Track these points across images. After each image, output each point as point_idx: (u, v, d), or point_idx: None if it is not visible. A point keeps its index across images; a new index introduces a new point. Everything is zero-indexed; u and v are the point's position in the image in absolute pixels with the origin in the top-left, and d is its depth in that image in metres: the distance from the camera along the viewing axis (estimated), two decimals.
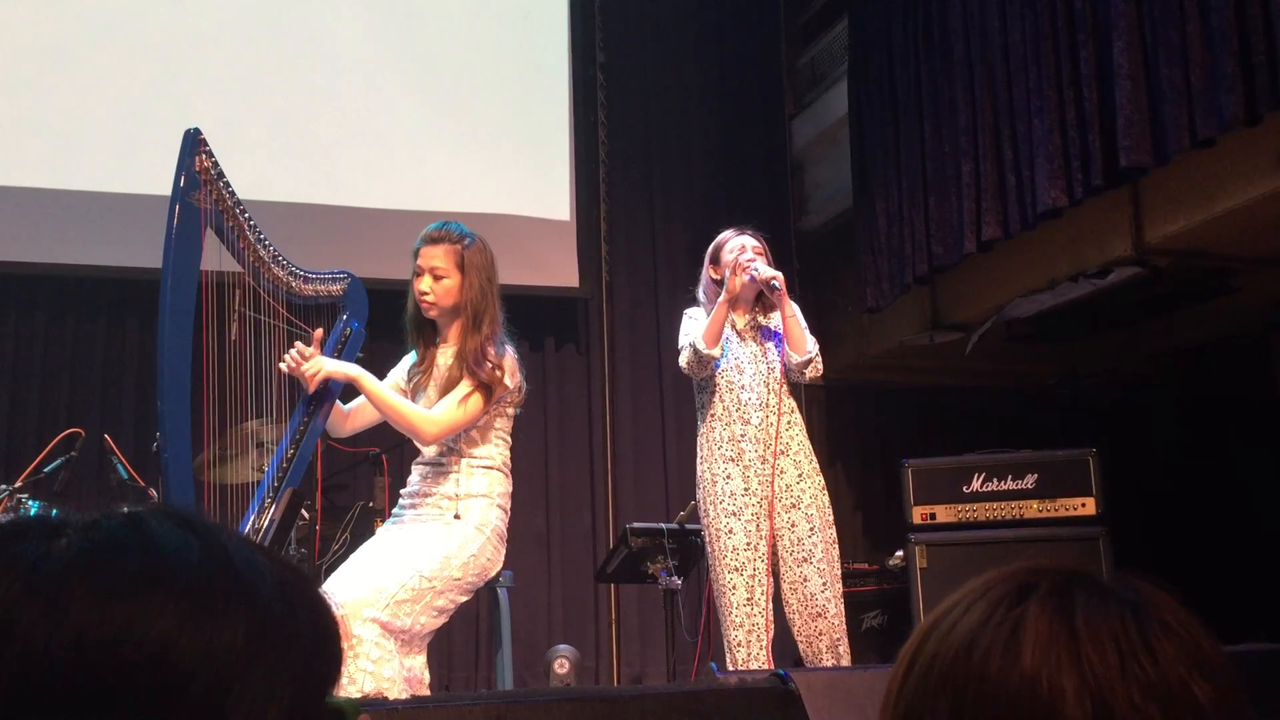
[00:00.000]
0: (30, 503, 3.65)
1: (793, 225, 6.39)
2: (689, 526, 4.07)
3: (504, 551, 2.99)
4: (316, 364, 2.90)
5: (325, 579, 2.98)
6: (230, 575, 0.60)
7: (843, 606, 3.60)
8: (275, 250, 2.88)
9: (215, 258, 2.77)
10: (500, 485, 2.99)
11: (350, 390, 3.10)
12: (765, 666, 3.43)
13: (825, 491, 3.67)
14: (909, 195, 5.09)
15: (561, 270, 5.78)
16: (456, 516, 2.89)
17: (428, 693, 2.82)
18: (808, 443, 3.70)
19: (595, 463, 5.89)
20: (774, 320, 3.75)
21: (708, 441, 3.68)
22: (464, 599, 2.89)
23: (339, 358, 3.02)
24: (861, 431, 6.34)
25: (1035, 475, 4.38)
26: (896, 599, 4.60)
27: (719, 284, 3.75)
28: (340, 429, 3.13)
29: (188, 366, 2.64)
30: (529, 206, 5.72)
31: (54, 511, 3.37)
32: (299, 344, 2.92)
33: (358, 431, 3.21)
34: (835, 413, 6.22)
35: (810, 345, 3.68)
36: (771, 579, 3.55)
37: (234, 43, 5.39)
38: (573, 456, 5.87)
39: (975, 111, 4.65)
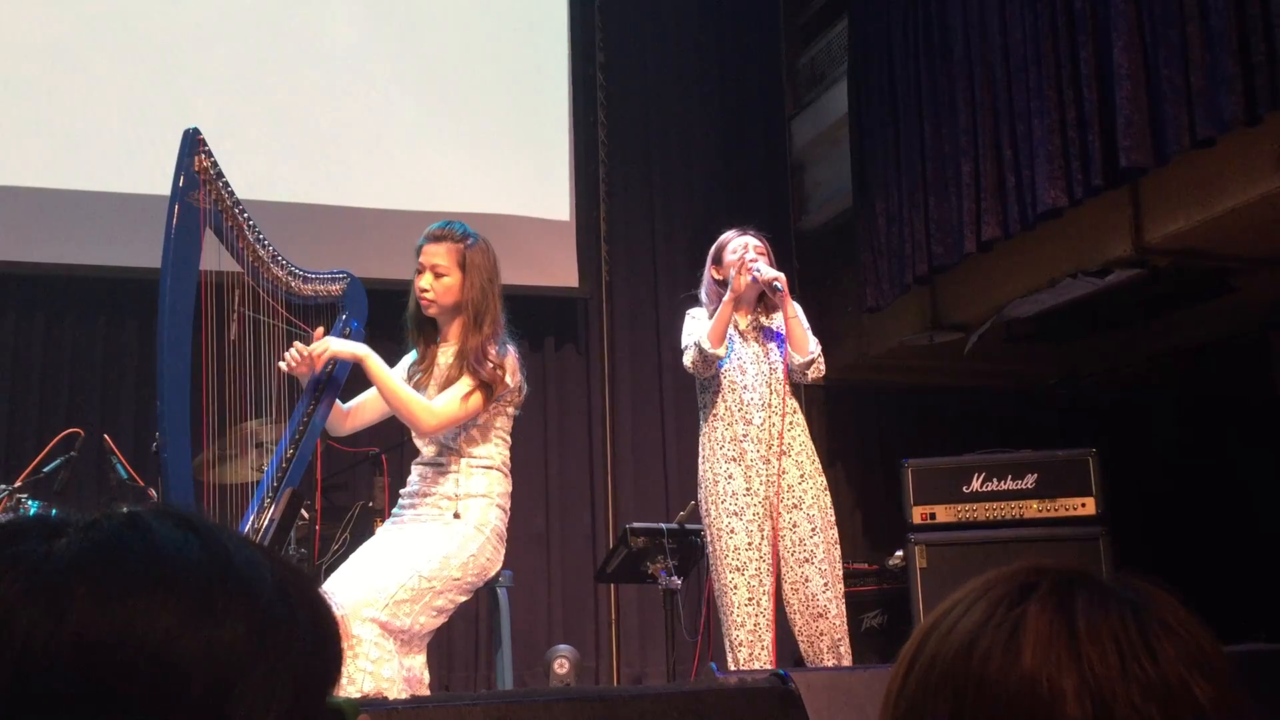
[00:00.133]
0: (30, 503, 3.65)
1: (793, 225, 6.39)
2: (689, 526, 4.07)
3: (504, 551, 2.99)
4: (323, 344, 2.90)
5: (325, 579, 2.98)
6: (231, 575, 0.60)
7: (844, 607, 3.60)
8: (275, 250, 2.88)
9: (215, 257, 2.77)
10: (500, 485, 2.99)
11: (350, 390, 3.10)
12: (768, 666, 3.44)
13: (827, 492, 3.68)
14: (909, 195, 5.08)
15: (561, 270, 5.78)
16: (456, 516, 2.89)
17: (427, 693, 2.82)
18: (810, 443, 3.71)
19: (595, 463, 5.89)
20: (776, 321, 3.76)
21: (710, 441, 3.68)
22: (464, 599, 2.89)
23: (336, 362, 3.02)
24: (861, 431, 6.34)
25: (1035, 475, 4.38)
26: (896, 599, 4.60)
27: (721, 284, 3.75)
28: (340, 428, 3.13)
29: (187, 366, 2.64)
30: (529, 206, 5.72)
31: (54, 511, 3.37)
32: (298, 343, 2.92)
33: (357, 430, 3.21)
34: (835, 413, 6.22)
35: (812, 346, 3.68)
36: (773, 579, 3.55)
37: (234, 42, 5.39)
38: (573, 456, 5.87)
39: (975, 111, 4.65)
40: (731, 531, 3.56)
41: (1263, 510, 5.55)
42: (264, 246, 2.85)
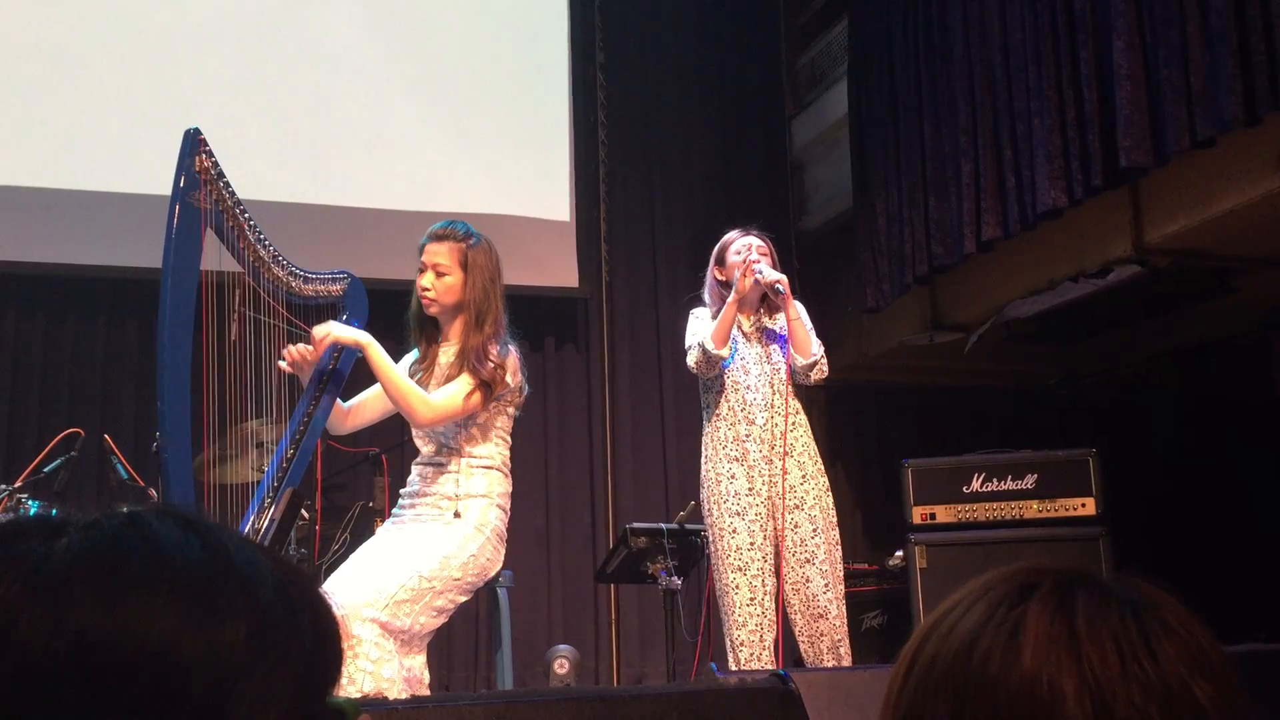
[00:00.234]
0: (30, 503, 3.65)
1: (793, 225, 6.38)
2: (689, 526, 4.08)
3: (504, 551, 2.99)
4: (326, 328, 2.90)
5: (325, 579, 2.98)
6: (231, 575, 0.60)
7: (844, 608, 3.61)
8: (275, 250, 2.88)
9: (215, 258, 2.77)
10: (500, 485, 2.99)
11: (350, 389, 3.10)
12: (770, 666, 3.44)
13: (829, 493, 3.68)
14: (909, 195, 5.08)
15: (561, 270, 5.78)
16: (456, 516, 2.89)
17: (427, 693, 2.82)
18: (812, 444, 3.71)
19: (595, 463, 5.89)
20: (779, 322, 3.76)
21: (712, 441, 3.68)
22: (464, 599, 2.89)
23: (339, 357, 3.02)
24: (861, 431, 6.34)
25: (1035, 475, 4.38)
26: (896, 599, 4.60)
27: (724, 285, 3.75)
28: (340, 426, 3.13)
29: (187, 366, 2.64)
30: (529, 206, 5.72)
31: (54, 511, 3.37)
32: (299, 344, 2.92)
33: (358, 429, 3.21)
34: (835, 413, 6.22)
35: (815, 348, 3.68)
36: (775, 579, 3.55)
37: (234, 42, 5.39)
38: (573, 456, 5.87)
39: (975, 111, 4.64)
40: (734, 531, 3.56)
41: (1263, 510, 5.55)
42: (265, 247, 2.85)
